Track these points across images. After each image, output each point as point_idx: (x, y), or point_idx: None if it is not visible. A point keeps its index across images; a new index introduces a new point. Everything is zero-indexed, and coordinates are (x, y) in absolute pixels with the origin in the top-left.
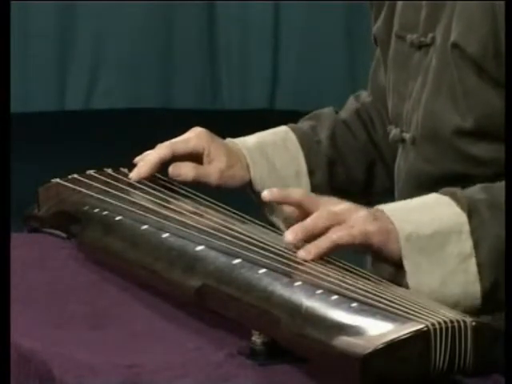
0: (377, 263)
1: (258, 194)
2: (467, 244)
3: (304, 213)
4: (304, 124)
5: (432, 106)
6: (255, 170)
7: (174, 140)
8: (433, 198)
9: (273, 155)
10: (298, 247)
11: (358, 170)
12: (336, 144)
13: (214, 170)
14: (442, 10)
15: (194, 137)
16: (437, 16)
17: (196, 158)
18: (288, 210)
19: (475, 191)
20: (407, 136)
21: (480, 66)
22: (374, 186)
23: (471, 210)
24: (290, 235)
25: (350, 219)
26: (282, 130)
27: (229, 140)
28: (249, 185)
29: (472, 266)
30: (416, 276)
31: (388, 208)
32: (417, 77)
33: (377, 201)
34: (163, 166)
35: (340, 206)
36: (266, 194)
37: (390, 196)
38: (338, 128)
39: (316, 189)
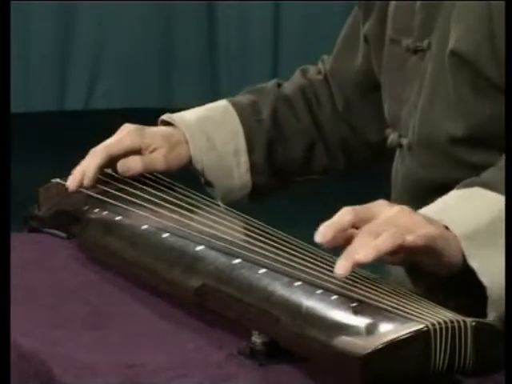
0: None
1: (197, 171)
2: None
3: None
4: (245, 97)
5: (427, 112)
6: (195, 148)
7: (106, 143)
8: (462, 193)
9: (212, 132)
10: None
11: (297, 149)
12: (277, 123)
13: (158, 156)
14: (437, 15)
15: (126, 136)
16: (432, 21)
17: (135, 153)
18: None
19: (494, 172)
20: (404, 141)
21: (476, 73)
22: (311, 166)
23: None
24: (341, 271)
25: (407, 223)
26: (222, 104)
27: (167, 116)
28: (190, 161)
29: None
30: (488, 272)
31: (430, 212)
32: (413, 81)
33: (315, 179)
34: (103, 170)
35: (392, 210)
36: (320, 239)
37: (326, 175)
38: (280, 106)
39: (254, 166)
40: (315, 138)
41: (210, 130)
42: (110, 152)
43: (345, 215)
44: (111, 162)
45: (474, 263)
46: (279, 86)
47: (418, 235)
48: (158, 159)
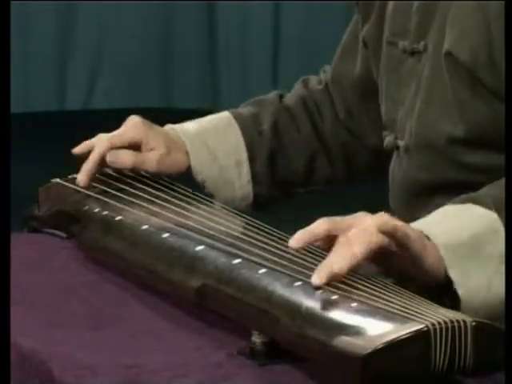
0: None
1: (198, 182)
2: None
3: (334, 237)
4: (246, 110)
5: (425, 114)
6: (195, 159)
7: (111, 134)
8: (452, 208)
9: (213, 144)
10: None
11: (298, 161)
12: (278, 135)
13: (152, 157)
14: (433, 17)
15: (131, 128)
16: (428, 23)
17: (135, 148)
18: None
19: (490, 188)
20: (401, 143)
21: (473, 76)
22: (314, 177)
23: (498, 206)
24: (317, 280)
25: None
26: (225, 116)
27: (169, 126)
28: (190, 171)
29: None
30: (465, 284)
31: (414, 225)
32: (410, 83)
33: (318, 190)
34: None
35: (367, 220)
36: (293, 243)
37: (329, 186)
38: (281, 118)
39: (256, 177)
40: (317, 149)
41: (211, 142)
42: (112, 142)
43: (321, 224)
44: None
45: (453, 273)
46: (281, 97)
47: (391, 230)
48: (150, 160)
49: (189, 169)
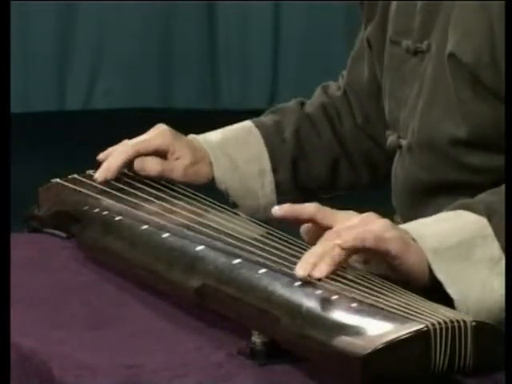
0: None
1: (223, 192)
2: (494, 246)
3: (319, 227)
4: (268, 118)
5: (428, 114)
6: (218, 169)
7: (137, 140)
8: (445, 214)
9: (235, 153)
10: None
11: (321, 167)
12: (300, 142)
13: (178, 166)
14: (436, 17)
15: (158, 135)
16: (431, 22)
17: (160, 155)
18: (303, 227)
19: (486, 195)
20: (404, 143)
21: (475, 77)
22: (337, 182)
23: (489, 212)
24: (300, 271)
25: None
26: (247, 125)
27: (192, 136)
28: (213, 182)
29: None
30: (455, 286)
31: (404, 226)
32: (413, 83)
33: (341, 196)
34: (128, 165)
35: (355, 218)
36: (276, 210)
37: (353, 192)
38: (303, 125)
39: (279, 186)
40: (339, 154)
41: (232, 151)
42: (138, 149)
43: (309, 207)
44: (138, 157)
45: (441, 276)
46: (302, 104)
47: (364, 235)
48: (176, 170)
49: (213, 179)
